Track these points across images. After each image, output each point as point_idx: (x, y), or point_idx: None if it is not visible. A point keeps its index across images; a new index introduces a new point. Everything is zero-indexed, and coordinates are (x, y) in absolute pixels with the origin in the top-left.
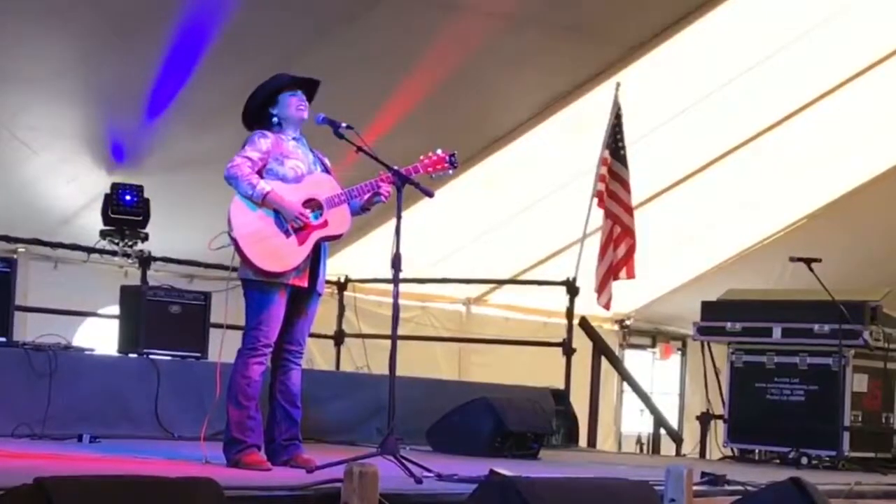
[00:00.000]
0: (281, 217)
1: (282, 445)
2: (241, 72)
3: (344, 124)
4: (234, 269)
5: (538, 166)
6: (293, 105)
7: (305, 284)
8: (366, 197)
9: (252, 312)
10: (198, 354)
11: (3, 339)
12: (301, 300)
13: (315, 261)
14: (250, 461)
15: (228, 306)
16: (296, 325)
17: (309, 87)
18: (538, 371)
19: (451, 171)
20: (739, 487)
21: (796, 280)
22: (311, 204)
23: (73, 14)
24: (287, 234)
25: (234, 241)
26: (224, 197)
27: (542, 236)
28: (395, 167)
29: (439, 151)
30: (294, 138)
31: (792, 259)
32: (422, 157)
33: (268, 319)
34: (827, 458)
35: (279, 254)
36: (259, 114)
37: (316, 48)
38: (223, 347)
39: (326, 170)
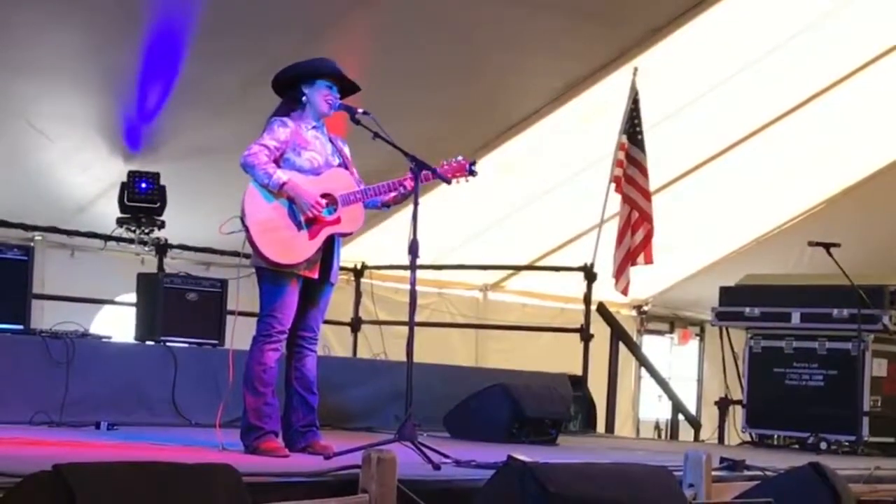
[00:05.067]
0: (295, 209)
1: (299, 432)
2: (257, 59)
3: (360, 110)
4: (247, 256)
5: (555, 152)
6: (323, 96)
7: (316, 276)
8: (390, 196)
9: (266, 300)
10: (215, 341)
11: (20, 327)
12: (313, 290)
13: (328, 252)
14: (268, 448)
15: (243, 293)
16: (308, 313)
17: (346, 89)
18: (556, 357)
19: (468, 180)
20: (758, 473)
21: (815, 265)
22: (327, 199)
23: (89, 2)
24: (299, 226)
25: (246, 229)
26: (241, 184)
27: (560, 222)
28: (412, 154)
29: (460, 158)
30: (314, 127)
31: (811, 244)
32: (443, 163)
33: (281, 307)
34: (846, 443)
35: (289, 246)
36: (292, 83)
37: (331, 34)
38: (236, 334)
39: (345, 160)
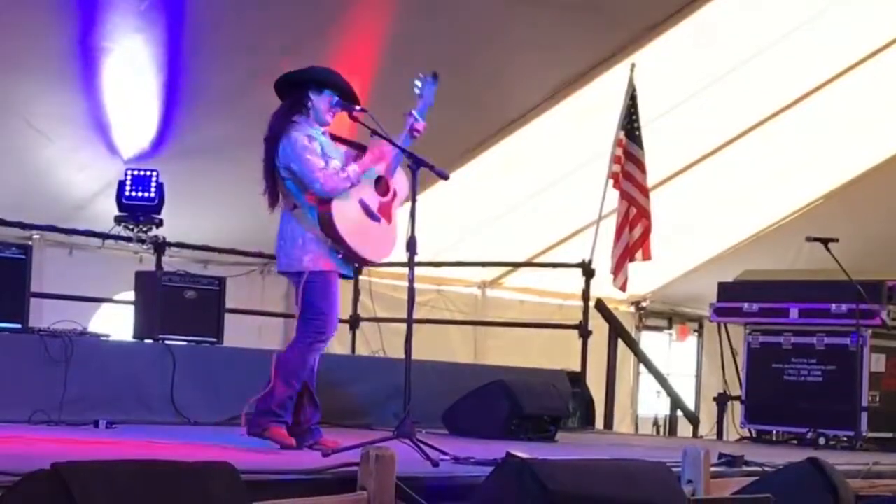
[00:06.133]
0: (365, 201)
1: (309, 430)
2: (256, 58)
3: (358, 107)
4: (257, 256)
5: (553, 148)
6: (327, 106)
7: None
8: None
9: (316, 300)
10: (213, 340)
11: (18, 326)
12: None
13: None
14: (277, 433)
15: (241, 292)
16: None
17: (347, 101)
18: (554, 353)
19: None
20: (757, 468)
21: (813, 260)
22: (380, 181)
23: (88, 3)
24: (373, 217)
25: (339, 239)
26: (239, 183)
27: (558, 218)
28: (409, 151)
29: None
30: (323, 133)
31: (808, 239)
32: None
33: (331, 307)
34: (845, 439)
35: (378, 240)
36: (298, 86)
37: (325, 33)
38: (230, 333)
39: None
